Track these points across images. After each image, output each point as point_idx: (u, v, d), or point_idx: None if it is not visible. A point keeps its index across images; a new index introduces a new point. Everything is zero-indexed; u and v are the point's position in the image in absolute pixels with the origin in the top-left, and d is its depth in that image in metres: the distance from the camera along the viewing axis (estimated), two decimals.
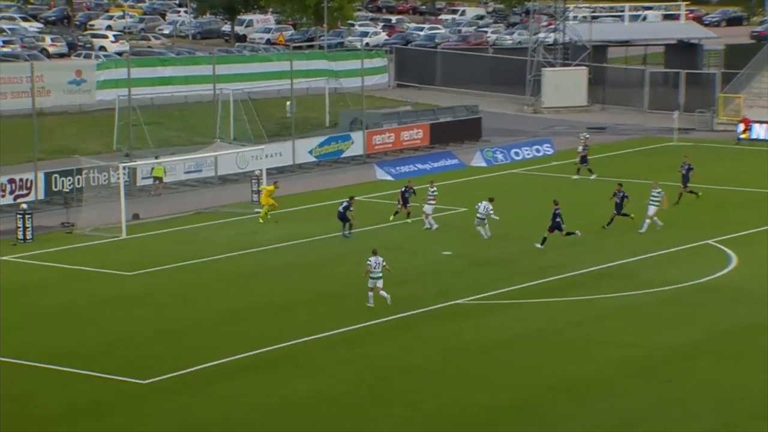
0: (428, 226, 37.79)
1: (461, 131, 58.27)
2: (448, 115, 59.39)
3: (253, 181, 43.20)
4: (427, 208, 38.26)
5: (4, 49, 73.31)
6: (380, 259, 29.28)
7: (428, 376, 24.45)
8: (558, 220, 35.07)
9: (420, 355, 25.88)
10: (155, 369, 24.52)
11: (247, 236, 37.56)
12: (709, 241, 36.25)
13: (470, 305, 30.07)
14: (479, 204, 36.85)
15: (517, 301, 30.40)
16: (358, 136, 53.70)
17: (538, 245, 34.96)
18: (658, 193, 36.59)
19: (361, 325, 27.99)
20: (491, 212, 36.35)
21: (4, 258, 34.76)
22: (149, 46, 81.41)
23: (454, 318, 28.96)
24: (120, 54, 73.97)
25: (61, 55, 78.34)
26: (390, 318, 28.66)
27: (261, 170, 43.40)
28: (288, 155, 50.83)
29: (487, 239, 36.08)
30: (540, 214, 38.36)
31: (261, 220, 39.13)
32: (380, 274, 29.20)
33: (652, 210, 36.50)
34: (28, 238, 36.73)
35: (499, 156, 52.83)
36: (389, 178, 49.31)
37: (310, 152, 52.18)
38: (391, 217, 38.60)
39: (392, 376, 24.53)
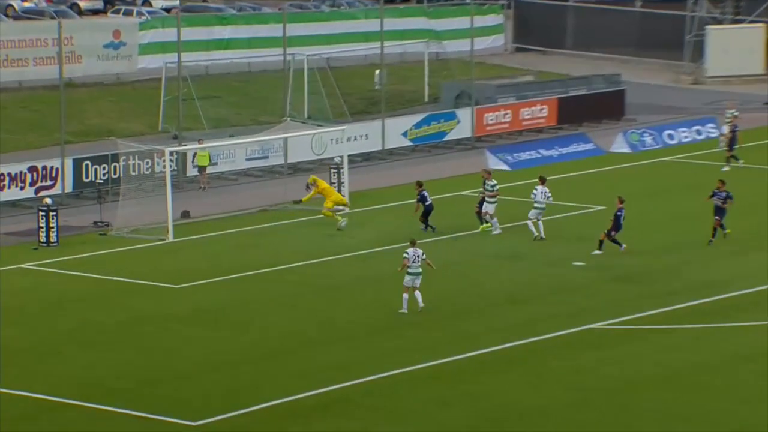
0: (495, 230, 37.84)
1: (598, 108, 57.87)
2: (581, 86, 59.07)
3: (333, 170, 43.50)
4: (489, 207, 38.20)
5: (26, 4, 74.97)
6: (420, 251, 30.36)
7: (557, 422, 24.29)
8: (620, 222, 35.11)
9: (545, 394, 25.72)
10: (207, 408, 24.84)
11: (325, 240, 37.86)
12: None
13: (608, 331, 29.84)
14: (535, 190, 37.37)
15: (668, 327, 30.03)
16: (465, 114, 53.65)
17: (596, 251, 35.19)
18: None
19: (466, 355, 27.98)
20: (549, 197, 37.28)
21: (22, 265, 35.63)
22: (204, 1, 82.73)
23: (587, 347, 28.78)
24: (168, 11, 75.23)
25: (95, 12, 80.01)
26: (505, 346, 28.62)
27: (342, 157, 43.71)
28: (376, 138, 51.07)
29: (536, 238, 37.07)
30: (701, 215, 37.81)
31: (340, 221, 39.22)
32: (419, 270, 30.17)
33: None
34: (52, 240, 37.55)
35: (648, 139, 52.32)
36: (505, 167, 49.20)
37: (405, 134, 52.34)
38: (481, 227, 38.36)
39: (508, 419, 24.45)
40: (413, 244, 30.84)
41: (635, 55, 71.26)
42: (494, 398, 25.65)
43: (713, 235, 36.67)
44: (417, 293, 30.54)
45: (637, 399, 25.44)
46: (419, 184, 38.60)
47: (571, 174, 47.87)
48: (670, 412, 24.72)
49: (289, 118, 47.36)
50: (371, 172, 47.85)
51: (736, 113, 49.35)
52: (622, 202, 35.83)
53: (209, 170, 45.68)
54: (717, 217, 36.65)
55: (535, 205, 37.70)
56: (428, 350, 28.27)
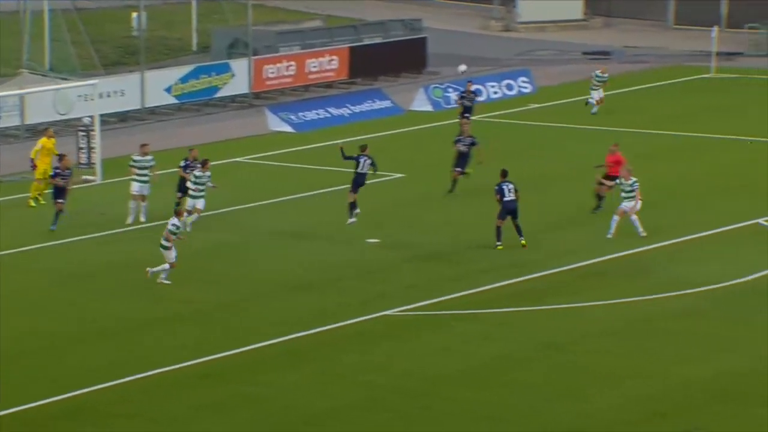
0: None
1: (396, 59, 58.51)
2: (376, 34, 59.51)
3: (81, 134, 42.90)
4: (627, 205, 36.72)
5: None
6: (179, 222, 31.72)
7: (347, 426, 24.54)
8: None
9: (333, 395, 25.96)
10: None
11: (72, 216, 37.28)
12: (760, 221, 36.91)
13: (405, 319, 30.24)
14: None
15: (473, 312, 30.65)
16: (241, 67, 53.53)
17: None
18: (632, 184, 35.77)
19: (238, 350, 27.97)
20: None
21: None
22: None
23: (381, 338, 29.11)
24: None
25: None
26: (283, 339, 28.71)
27: (92, 117, 43.10)
28: (134, 94, 50.54)
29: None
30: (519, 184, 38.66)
31: (32, 203, 38.84)
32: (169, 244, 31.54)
33: (627, 206, 35.85)
34: None
35: (452, 96, 53.11)
36: (289, 129, 49.40)
37: (168, 90, 51.91)
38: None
39: (290, 424, 24.59)
40: (178, 215, 31.75)
41: None
42: (275, 401, 25.71)
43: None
44: (157, 271, 31.50)
45: (437, 398, 25.83)
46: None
47: (366, 136, 48.03)
48: (474, 412, 25.18)
49: (26, 71, 46.46)
50: (128, 134, 47.32)
51: (605, 76, 50.22)
52: (504, 175, 35.63)
53: None
54: (458, 169, 38.66)
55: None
56: (197, 347, 28.18)
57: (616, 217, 35.56)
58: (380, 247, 35.28)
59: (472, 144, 39.49)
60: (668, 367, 27.31)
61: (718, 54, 58.79)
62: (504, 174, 35.13)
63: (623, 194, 35.62)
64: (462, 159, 39.28)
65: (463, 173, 39.30)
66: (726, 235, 36.04)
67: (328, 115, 50.97)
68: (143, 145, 37.43)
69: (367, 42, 58.58)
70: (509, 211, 34.68)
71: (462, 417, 24.94)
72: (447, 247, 35.26)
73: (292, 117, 50.07)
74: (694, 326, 29.76)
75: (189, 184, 36.00)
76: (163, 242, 31.71)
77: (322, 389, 26.33)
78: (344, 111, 51.51)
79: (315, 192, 40.15)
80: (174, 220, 31.78)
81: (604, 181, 37.13)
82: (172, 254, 31.65)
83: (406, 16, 63.24)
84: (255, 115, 50.64)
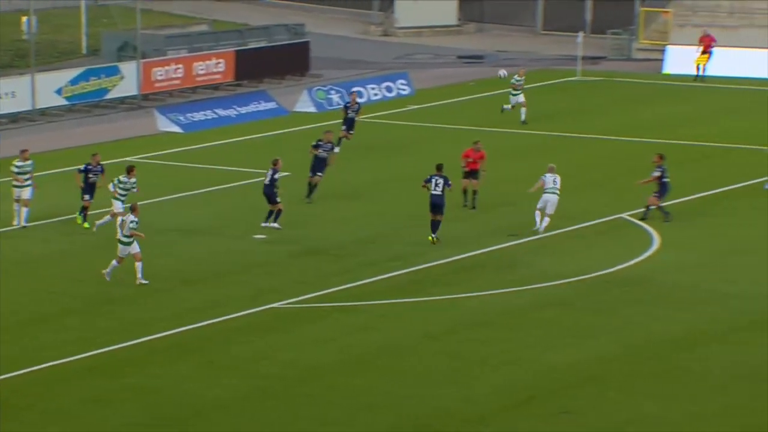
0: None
1: (281, 62, 58.38)
2: (261, 38, 59.34)
3: None
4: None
5: None
6: (132, 217, 31.12)
7: (235, 415, 24.48)
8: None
9: (221, 385, 25.85)
10: None
11: None
12: (623, 215, 37.40)
13: (291, 311, 30.27)
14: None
15: (356, 304, 30.75)
16: (130, 69, 53.01)
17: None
18: (554, 181, 35.90)
19: (128, 343, 27.74)
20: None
21: None
22: None
23: (268, 330, 29.11)
24: None
25: None
26: (173, 332, 28.52)
27: None
28: (25, 96, 49.80)
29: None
30: (395, 180, 38.89)
31: None
32: (131, 239, 31.05)
33: (550, 202, 35.79)
34: None
35: (335, 97, 53.14)
36: (177, 129, 49.03)
37: (59, 92, 51.25)
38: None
39: (180, 415, 24.46)
40: (134, 210, 31.34)
41: (320, 4, 72.19)
42: (164, 392, 25.56)
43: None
44: (138, 264, 31.21)
45: (321, 386, 25.92)
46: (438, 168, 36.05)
47: (252, 136, 48.22)
48: (356, 400, 25.29)
49: None
50: (19, 135, 46.61)
51: (523, 80, 49.39)
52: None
53: None
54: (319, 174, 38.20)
55: (546, 190, 35.83)
56: (88, 340, 27.91)
57: (538, 212, 35.83)
58: (267, 243, 35.21)
59: (331, 149, 39.28)
60: (538, 354, 27.63)
61: (584, 58, 59.51)
62: (438, 168, 34.89)
63: (546, 189, 35.80)
64: (320, 163, 38.81)
65: (320, 177, 38.78)
66: (592, 229, 36.51)
67: (216, 116, 50.69)
68: (23, 151, 36.68)
69: (252, 46, 58.37)
70: (433, 204, 34.60)
71: (344, 404, 25.02)
72: (331, 242, 35.28)
73: (181, 118, 49.74)
74: (560, 315, 30.11)
75: (111, 187, 35.33)
76: (122, 238, 31.15)
77: (211, 379, 26.23)
78: (231, 112, 51.27)
79: (203, 190, 39.92)
80: (131, 216, 31.18)
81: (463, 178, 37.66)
82: (133, 248, 31.12)
83: (289, 21, 63.09)
84: (144, 116, 50.21)
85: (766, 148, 44.93)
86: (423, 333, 28.97)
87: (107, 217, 35.14)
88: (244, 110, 51.52)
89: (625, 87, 55.82)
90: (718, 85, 56.34)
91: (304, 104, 52.80)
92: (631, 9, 65.16)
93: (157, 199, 38.63)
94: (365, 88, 54.51)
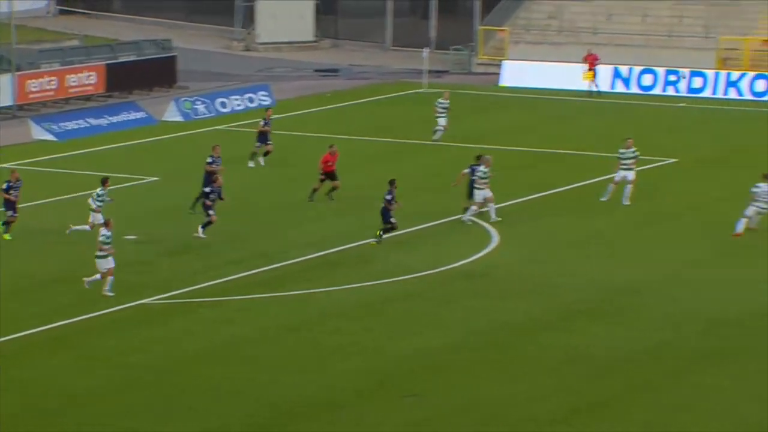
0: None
1: (149, 75, 57.76)
2: (130, 52, 58.63)
3: None
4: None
5: None
6: (104, 231, 30.05)
7: (108, 404, 24.13)
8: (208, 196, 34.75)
9: (95, 376, 25.47)
10: None
11: None
12: (463, 216, 37.76)
13: (159, 307, 29.98)
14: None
15: (219, 299, 30.56)
16: (4, 81, 51.92)
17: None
18: (486, 172, 36.40)
19: (6, 338, 27.24)
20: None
21: None
22: None
23: (138, 325, 28.78)
24: None
25: None
26: (46, 327, 28.06)
27: None
28: None
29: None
30: (259, 184, 38.79)
31: None
32: (104, 254, 30.06)
33: (483, 194, 36.45)
34: None
35: (201, 107, 52.77)
36: (51, 137, 48.18)
37: None
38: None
39: (55, 405, 24.03)
40: (108, 225, 30.20)
41: (186, 20, 71.63)
42: (39, 383, 25.14)
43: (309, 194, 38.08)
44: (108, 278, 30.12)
45: (187, 376, 25.74)
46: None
47: (122, 144, 47.60)
48: (219, 387, 25.15)
49: None
50: None
51: (447, 103, 47.88)
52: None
53: None
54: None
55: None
56: None
57: (474, 208, 36.20)
58: (137, 243, 34.76)
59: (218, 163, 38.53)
60: (389, 343, 27.76)
61: (429, 72, 59.98)
62: (390, 183, 34.64)
63: (477, 183, 36.17)
64: (209, 177, 38.06)
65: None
66: (438, 227, 36.76)
67: (88, 125, 49.92)
68: None
69: (122, 59, 57.62)
70: (381, 212, 34.46)
71: (210, 392, 24.88)
72: (199, 241, 34.97)
73: (54, 127, 48.88)
74: (410, 307, 30.27)
75: (90, 201, 34.50)
76: (98, 252, 30.15)
77: (84, 371, 25.89)
78: (102, 121, 50.55)
79: (77, 194, 39.16)
80: (104, 231, 30.20)
81: (320, 181, 37.92)
82: (108, 263, 30.05)
83: (157, 36, 62.43)
84: (19, 126, 49.21)
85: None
86: (283, 325, 28.90)
87: (86, 227, 34.37)
88: (115, 119, 50.84)
89: (466, 98, 56.27)
90: (548, 97, 57.17)
91: (172, 114, 52.30)
92: (470, 27, 65.95)
93: (34, 203, 37.87)
94: (228, 98, 54.25)
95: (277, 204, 38.74)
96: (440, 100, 48.09)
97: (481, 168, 36.58)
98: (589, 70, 57.93)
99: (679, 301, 30.58)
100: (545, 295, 31.06)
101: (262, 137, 43.45)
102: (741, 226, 35.49)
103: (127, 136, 48.78)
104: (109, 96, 55.28)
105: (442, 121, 47.61)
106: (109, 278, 30.27)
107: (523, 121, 53.00)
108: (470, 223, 36.56)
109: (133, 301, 30.01)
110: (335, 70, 63.55)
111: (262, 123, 43.80)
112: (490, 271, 32.87)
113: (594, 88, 57.67)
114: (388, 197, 34.43)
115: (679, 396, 24.89)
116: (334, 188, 38.39)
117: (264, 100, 55.08)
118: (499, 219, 36.63)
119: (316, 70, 63.79)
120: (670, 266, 33.05)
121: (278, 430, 23.58)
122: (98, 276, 30.35)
